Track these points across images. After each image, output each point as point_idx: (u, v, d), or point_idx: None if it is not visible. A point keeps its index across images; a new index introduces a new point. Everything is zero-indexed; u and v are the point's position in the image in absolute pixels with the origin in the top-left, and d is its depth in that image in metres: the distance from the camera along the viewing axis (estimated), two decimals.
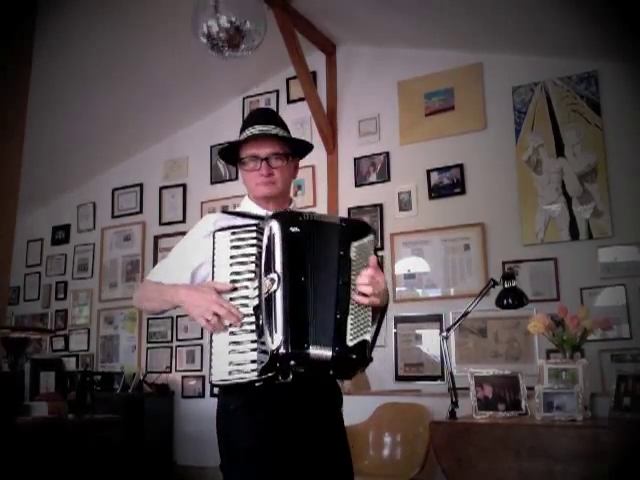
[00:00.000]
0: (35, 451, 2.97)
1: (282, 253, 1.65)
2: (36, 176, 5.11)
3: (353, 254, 1.72)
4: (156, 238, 5.99)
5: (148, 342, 5.85)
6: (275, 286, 1.63)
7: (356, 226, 1.80)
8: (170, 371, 5.67)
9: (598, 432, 2.40)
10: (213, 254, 1.74)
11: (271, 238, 1.68)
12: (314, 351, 1.60)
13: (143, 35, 4.59)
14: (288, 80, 5.53)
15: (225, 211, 1.99)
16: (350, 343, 1.64)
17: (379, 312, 1.76)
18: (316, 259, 1.69)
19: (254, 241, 1.71)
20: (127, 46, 4.66)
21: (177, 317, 5.70)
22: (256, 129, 1.89)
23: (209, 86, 5.45)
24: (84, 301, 6.26)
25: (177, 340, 5.70)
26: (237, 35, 3.67)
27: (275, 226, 1.68)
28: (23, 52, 3.52)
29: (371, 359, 1.69)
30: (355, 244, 1.74)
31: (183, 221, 5.86)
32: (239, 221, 1.84)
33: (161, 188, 6.06)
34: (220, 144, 5.77)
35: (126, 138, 5.90)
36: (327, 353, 1.61)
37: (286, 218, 1.72)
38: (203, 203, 5.75)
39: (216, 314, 1.66)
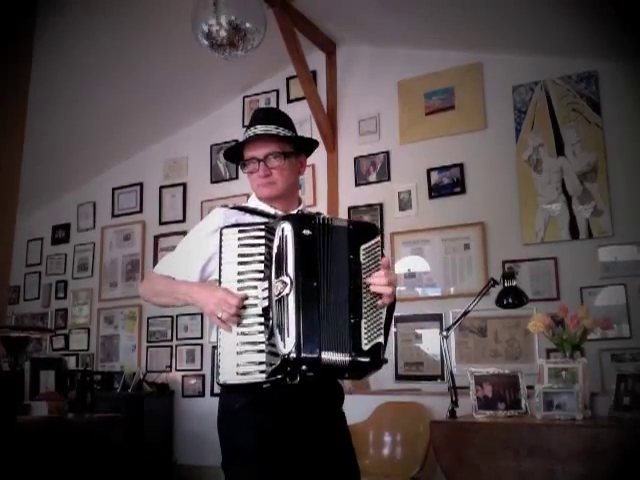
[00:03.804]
0: (35, 451, 2.96)
1: (294, 256, 1.64)
2: (36, 175, 5.11)
3: (362, 257, 1.73)
4: (156, 237, 5.98)
5: (148, 341, 5.85)
6: (287, 290, 1.62)
7: (363, 228, 1.80)
8: (170, 370, 5.67)
9: (598, 431, 2.40)
10: (220, 251, 1.72)
11: (283, 240, 1.67)
12: (326, 356, 1.60)
13: (143, 35, 4.58)
14: (288, 79, 5.53)
15: (234, 206, 1.95)
16: (365, 347, 1.65)
17: (389, 313, 1.78)
18: (328, 263, 1.68)
19: (263, 240, 1.71)
20: (127, 46, 4.65)
21: (177, 316, 5.70)
22: (256, 130, 1.88)
23: (209, 85, 5.44)
24: (84, 300, 6.26)
25: (177, 339, 5.70)
26: (237, 34, 3.67)
27: (287, 228, 1.67)
28: (23, 52, 3.52)
29: (385, 361, 1.70)
30: (363, 247, 1.74)
31: (183, 220, 5.86)
32: (248, 218, 1.83)
33: (161, 187, 6.06)
34: (220, 144, 5.78)
35: (126, 138, 5.90)
36: (343, 358, 1.62)
37: (299, 220, 1.71)
38: (203, 202, 5.74)
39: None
